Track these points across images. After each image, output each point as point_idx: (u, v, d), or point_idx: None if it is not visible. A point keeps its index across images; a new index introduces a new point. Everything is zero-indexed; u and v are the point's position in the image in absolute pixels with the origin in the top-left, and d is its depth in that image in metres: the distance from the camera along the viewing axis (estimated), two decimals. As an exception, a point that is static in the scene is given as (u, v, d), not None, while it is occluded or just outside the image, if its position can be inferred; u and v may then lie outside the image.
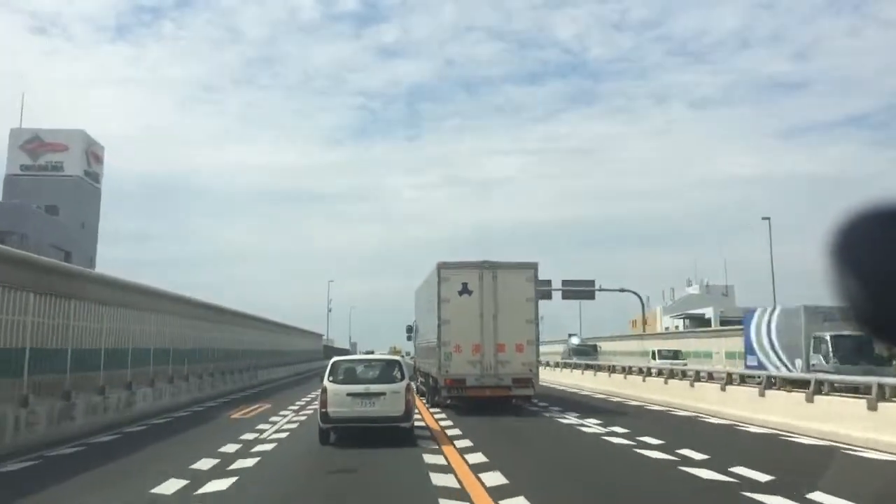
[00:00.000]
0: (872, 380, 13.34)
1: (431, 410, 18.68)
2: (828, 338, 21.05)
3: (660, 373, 24.23)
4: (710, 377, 20.72)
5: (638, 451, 11.87)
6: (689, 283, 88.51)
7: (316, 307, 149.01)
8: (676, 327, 74.64)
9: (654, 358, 36.34)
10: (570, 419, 17.12)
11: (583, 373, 32.41)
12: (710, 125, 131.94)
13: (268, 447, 12.17)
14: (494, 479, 8.93)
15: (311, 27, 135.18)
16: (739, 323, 54.24)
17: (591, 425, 15.69)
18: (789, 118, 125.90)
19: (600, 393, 26.94)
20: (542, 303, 62.63)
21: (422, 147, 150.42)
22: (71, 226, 55.85)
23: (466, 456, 10.85)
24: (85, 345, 15.63)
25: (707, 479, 9.16)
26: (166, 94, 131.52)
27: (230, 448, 11.80)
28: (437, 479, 8.91)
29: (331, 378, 12.70)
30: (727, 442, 13.63)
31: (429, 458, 10.62)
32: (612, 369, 29.27)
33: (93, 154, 60.72)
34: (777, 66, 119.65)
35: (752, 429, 15.31)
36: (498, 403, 18.75)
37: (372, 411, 12.31)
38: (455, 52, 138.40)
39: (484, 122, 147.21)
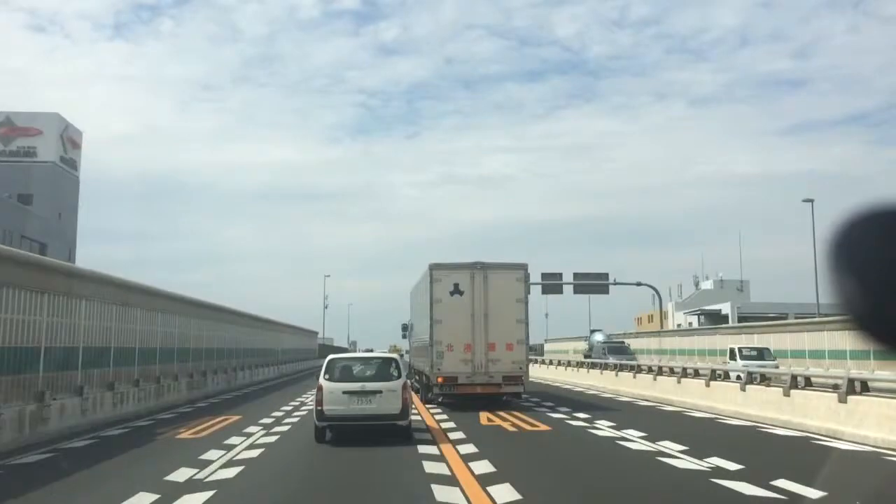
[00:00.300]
0: None
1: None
2: None
3: (738, 377, 18.53)
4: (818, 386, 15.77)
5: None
6: (696, 280, 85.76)
7: (315, 306, 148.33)
8: (690, 324, 71.27)
9: (733, 358, 30.43)
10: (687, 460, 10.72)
11: (617, 374, 27.79)
12: (710, 123, 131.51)
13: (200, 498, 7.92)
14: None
15: (311, 25, 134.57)
16: (762, 319, 51.04)
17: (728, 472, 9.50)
18: (790, 116, 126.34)
19: (651, 400, 22.21)
20: (550, 298, 60.34)
21: (421, 145, 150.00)
22: (46, 216, 52.11)
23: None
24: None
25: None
26: (165, 93, 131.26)
27: (144, 500, 7.81)
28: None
29: (327, 376, 12.70)
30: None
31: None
32: (659, 371, 24.01)
33: (69, 139, 56.77)
34: (777, 64, 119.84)
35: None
36: (489, 400, 18.97)
37: (368, 409, 12.33)
38: (455, 50, 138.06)
39: (483, 120, 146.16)
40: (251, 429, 14.46)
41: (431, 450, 11.26)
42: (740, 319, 60.06)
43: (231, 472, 9.38)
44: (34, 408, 13.10)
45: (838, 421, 13.29)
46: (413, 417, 13.56)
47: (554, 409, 18.73)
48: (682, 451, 10.96)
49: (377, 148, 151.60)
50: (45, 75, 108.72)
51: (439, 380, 19.18)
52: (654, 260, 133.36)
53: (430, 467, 9.59)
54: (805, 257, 41.35)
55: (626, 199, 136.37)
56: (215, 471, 9.52)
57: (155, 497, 7.87)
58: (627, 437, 13.07)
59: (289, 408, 19.46)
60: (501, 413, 17.18)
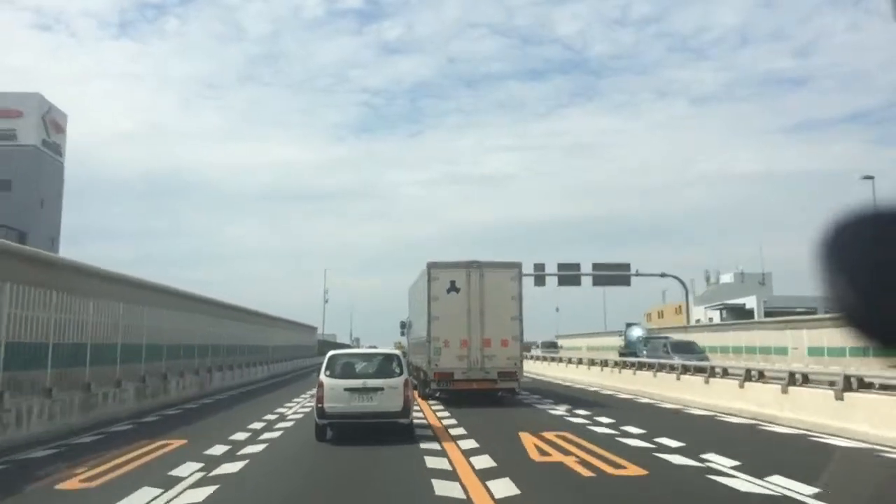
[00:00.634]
0: None
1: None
2: None
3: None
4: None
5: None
6: (708, 275, 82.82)
7: (319, 304, 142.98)
8: (710, 319, 67.91)
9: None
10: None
11: (678, 378, 21.81)
12: (712, 121, 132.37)
13: None
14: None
15: (315, 24, 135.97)
16: (789, 313, 47.29)
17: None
18: (791, 114, 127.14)
19: (764, 419, 16.10)
20: (567, 290, 56.53)
21: (424, 144, 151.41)
22: (26, 202, 48.68)
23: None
24: None
25: None
26: (170, 91, 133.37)
27: None
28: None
29: (328, 372, 12.65)
30: None
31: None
32: (748, 375, 18.09)
33: (52, 122, 53.28)
34: (778, 63, 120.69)
35: None
36: (484, 395, 19.56)
37: (370, 407, 12.26)
38: (457, 49, 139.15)
39: (486, 119, 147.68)
40: (183, 469, 9.67)
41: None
42: (766, 314, 56.60)
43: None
44: None
45: None
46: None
47: (624, 433, 13.76)
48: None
49: (380, 147, 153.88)
50: (51, 73, 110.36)
51: (436, 375, 19.78)
52: (657, 257, 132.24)
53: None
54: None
55: (628, 197, 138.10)
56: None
57: None
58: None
59: (260, 424, 15.41)
60: (557, 439, 12.61)
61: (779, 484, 8.61)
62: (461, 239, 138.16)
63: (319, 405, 12.27)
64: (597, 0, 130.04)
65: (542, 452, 11.18)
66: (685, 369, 21.95)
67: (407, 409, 12.45)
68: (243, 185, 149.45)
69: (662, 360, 25.22)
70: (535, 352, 52.06)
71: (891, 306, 1.09)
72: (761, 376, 17.62)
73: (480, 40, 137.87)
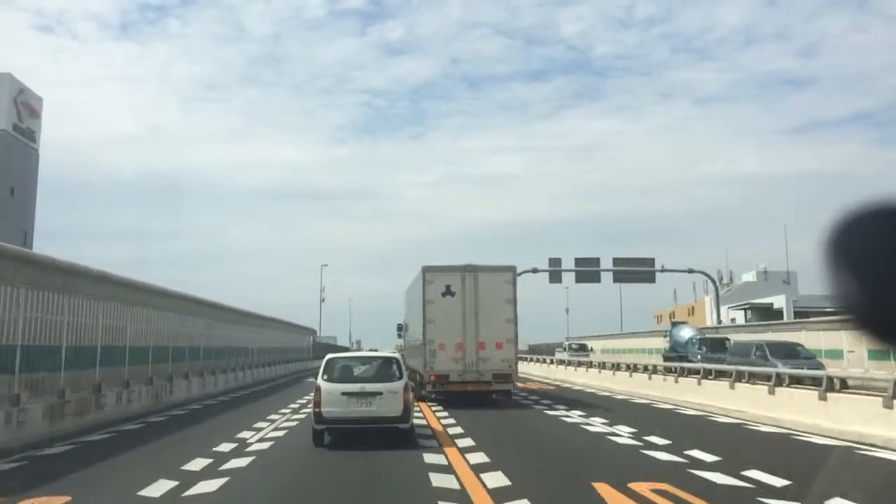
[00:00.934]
0: None
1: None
2: None
3: None
4: None
5: None
6: (720, 275, 77.06)
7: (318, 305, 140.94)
8: (733, 320, 63.62)
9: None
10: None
11: (773, 391, 16.91)
12: (715, 122, 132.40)
13: None
14: None
15: (316, 25, 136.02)
16: (821, 313, 42.81)
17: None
18: (795, 115, 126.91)
19: None
20: (569, 290, 52.00)
21: (426, 145, 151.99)
22: (-7, 192, 44.48)
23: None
24: None
25: None
26: (171, 93, 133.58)
27: None
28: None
29: (325, 376, 12.49)
30: None
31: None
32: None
33: (25, 105, 49.05)
34: (782, 63, 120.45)
35: None
36: (479, 397, 19.87)
37: (368, 411, 12.07)
38: (460, 50, 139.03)
39: (488, 120, 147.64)
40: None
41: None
42: (796, 315, 52.20)
43: None
44: None
45: None
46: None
47: (764, 487, 9.05)
48: None
49: (382, 148, 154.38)
50: (52, 75, 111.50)
51: (431, 378, 19.96)
52: (663, 258, 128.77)
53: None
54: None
55: (632, 198, 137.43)
56: None
57: None
58: None
59: (204, 462, 11.00)
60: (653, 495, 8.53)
61: None
62: (463, 240, 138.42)
63: (317, 410, 12.14)
64: (601, 0, 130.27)
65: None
66: (817, 382, 15.81)
67: (407, 414, 12.28)
68: (244, 186, 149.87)
69: (761, 369, 19.22)
70: (561, 355, 46.60)
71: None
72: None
73: (483, 41, 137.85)
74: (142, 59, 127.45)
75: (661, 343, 39.19)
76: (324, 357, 13.76)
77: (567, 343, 55.01)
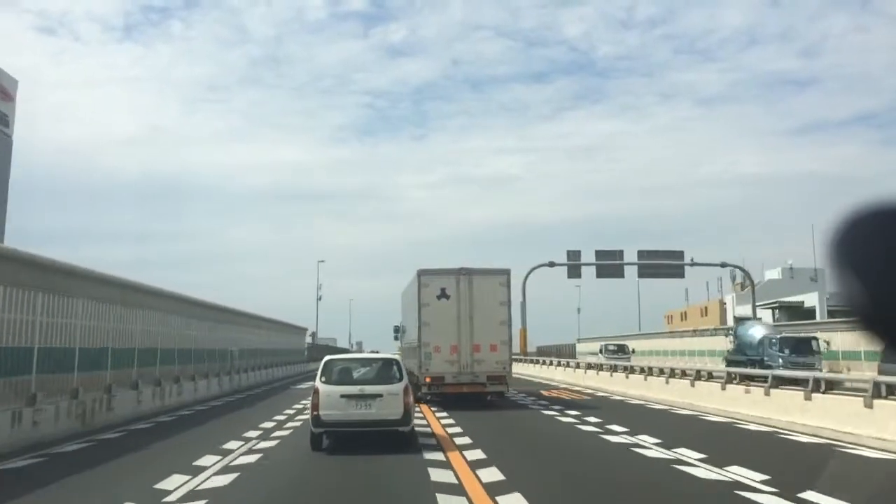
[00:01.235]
0: None
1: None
2: None
3: None
4: None
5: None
6: (734, 274, 73.77)
7: (323, 307, 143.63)
8: (759, 319, 58.83)
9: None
10: None
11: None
12: (717, 123, 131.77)
13: None
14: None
15: (318, 27, 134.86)
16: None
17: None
18: (797, 116, 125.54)
19: None
20: (593, 286, 47.60)
21: (428, 146, 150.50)
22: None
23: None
24: None
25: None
26: (173, 94, 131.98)
27: None
28: None
29: (323, 378, 12.20)
30: None
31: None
32: None
33: (-5, 87, 44.29)
34: (784, 64, 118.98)
35: None
36: (474, 398, 20.00)
37: (368, 414, 11.81)
38: (462, 51, 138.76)
39: (490, 121, 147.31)
40: None
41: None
42: (830, 314, 48.06)
43: None
44: None
45: None
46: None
47: None
48: None
49: (384, 149, 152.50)
50: (53, 77, 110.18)
51: (427, 379, 20.20)
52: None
53: None
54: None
55: (634, 199, 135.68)
56: None
57: None
58: None
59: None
60: None
61: None
62: (465, 241, 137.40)
63: (315, 413, 11.82)
64: (603, 1, 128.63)
65: None
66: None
67: (408, 417, 12.04)
68: (245, 186, 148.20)
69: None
70: (593, 358, 40.36)
71: None
72: None
73: (485, 42, 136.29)
74: (143, 61, 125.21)
75: (720, 344, 34.35)
76: (321, 360, 13.35)
77: (603, 345, 48.66)
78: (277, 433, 14.49)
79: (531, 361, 43.24)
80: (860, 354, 28.51)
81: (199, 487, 8.90)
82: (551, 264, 42.55)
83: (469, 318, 20.32)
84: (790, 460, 11.39)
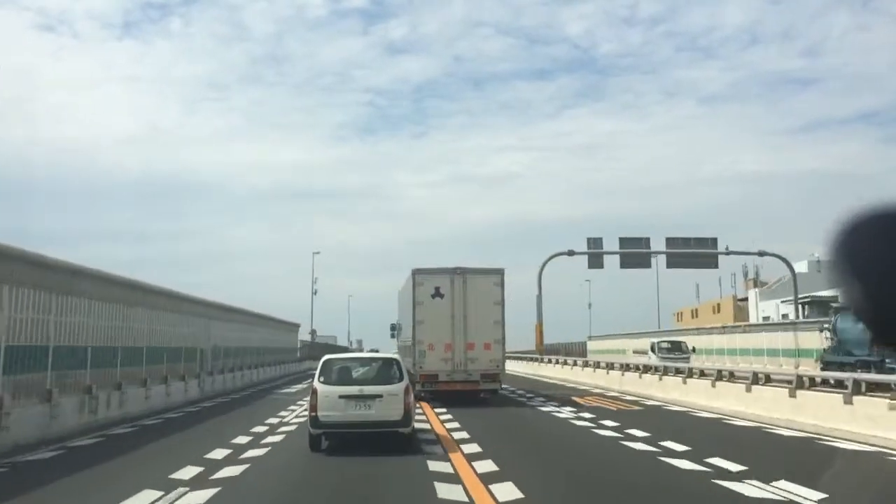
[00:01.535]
0: None
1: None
2: None
3: None
4: None
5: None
6: (745, 270, 72.13)
7: (320, 306, 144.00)
8: (785, 316, 55.40)
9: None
10: None
11: None
12: (719, 121, 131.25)
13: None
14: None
15: (318, 24, 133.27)
16: None
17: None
18: (799, 114, 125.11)
19: None
20: (644, 273, 43.22)
21: (429, 144, 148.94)
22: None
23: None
24: None
25: None
26: (173, 92, 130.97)
27: None
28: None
29: (322, 378, 12.12)
30: None
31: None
32: None
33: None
34: (787, 63, 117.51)
35: None
36: (467, 396, 20.21)
37: (367, 415, 11.69)
38: (463, 49, 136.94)
39: (491, 120, 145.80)
40: None
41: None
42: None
43: None
44: None
45: None
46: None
47: None
48: None
49: (384, 147, 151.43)
50: (53, 75, 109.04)
51: (421, 377, 20.46)
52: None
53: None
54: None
55: (635, 197, 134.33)
56: None
57: None
58: None
59: None
60: None
61: None
62: (465, 239, 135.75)
63: (313, 414, 11.64)
64: None
65: None
66: None
67: (408, 418, 11.94)
68: (245, 185, 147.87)
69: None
70: (644, 358, 34.16)
71: None
72: None
73: (486, 40, 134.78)
74: (143, 59, 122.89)
75: (813, 341, 28.77)
76: (319, 359, 13.45)
77: (656, 342, 42.06)
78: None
79: (547, 361, 38.65)
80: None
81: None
82: (570, 253, 38.39)
83: (463, 317, 20.72)
84: None
